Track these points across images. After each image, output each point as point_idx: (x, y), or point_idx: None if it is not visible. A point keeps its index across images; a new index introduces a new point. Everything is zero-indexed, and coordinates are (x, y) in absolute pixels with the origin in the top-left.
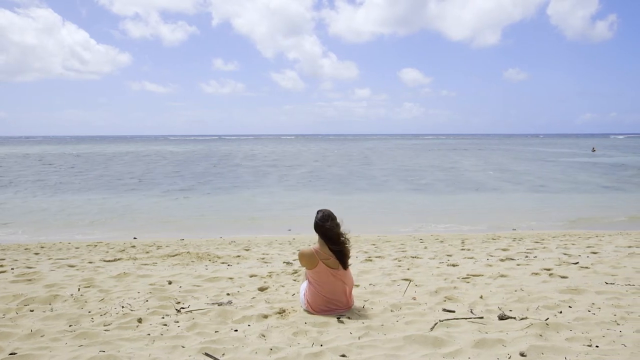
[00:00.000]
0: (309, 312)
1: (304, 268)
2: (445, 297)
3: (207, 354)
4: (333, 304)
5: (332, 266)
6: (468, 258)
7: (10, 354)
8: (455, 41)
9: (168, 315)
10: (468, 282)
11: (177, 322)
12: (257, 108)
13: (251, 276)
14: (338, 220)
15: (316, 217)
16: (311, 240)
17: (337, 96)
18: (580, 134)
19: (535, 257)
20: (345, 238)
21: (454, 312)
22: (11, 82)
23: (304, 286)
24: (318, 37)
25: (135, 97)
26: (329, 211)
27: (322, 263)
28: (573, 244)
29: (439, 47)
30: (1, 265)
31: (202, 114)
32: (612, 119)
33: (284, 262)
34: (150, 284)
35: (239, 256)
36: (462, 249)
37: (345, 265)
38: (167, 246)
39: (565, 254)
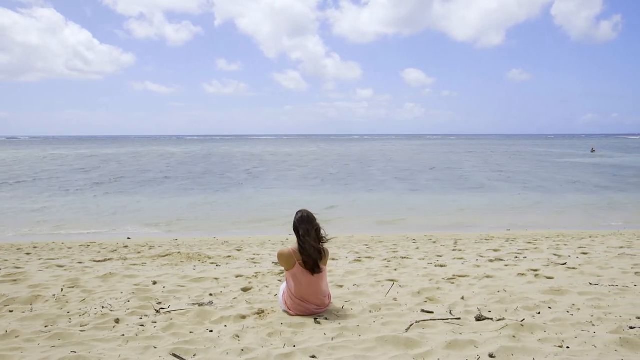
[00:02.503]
0: (287, 313)
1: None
2: (427, 298)
3: (174, 355)
4: (310, 304)
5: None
6: (458, 259)
7: None
8: (459, 42)
9: (147, 315)
10: (453, 283)
11: (155, 322)
12: (259, 108)
13: (237, 277)
14: (317, 222)
15: (295, 218)
16: None
17: (339, 97)
18: (590, 134)
19: (525, 257)
20: (322, 241)
21: (432, 313)
22: (14, 82)
23: (283, 287)
24: (322, 38)
25: (138, 97)
26: (308, 212)
27: (299, 264)
28: (565, 245)
29: (443, 48)
30: None
31: (203, 114)
32: (614, 119)
33: (273, 263)
34: (135, 285)
35: (229, 256)
36: (454, 250)
37: (319, 268)
38: (159, 246)
39: (555, 255)
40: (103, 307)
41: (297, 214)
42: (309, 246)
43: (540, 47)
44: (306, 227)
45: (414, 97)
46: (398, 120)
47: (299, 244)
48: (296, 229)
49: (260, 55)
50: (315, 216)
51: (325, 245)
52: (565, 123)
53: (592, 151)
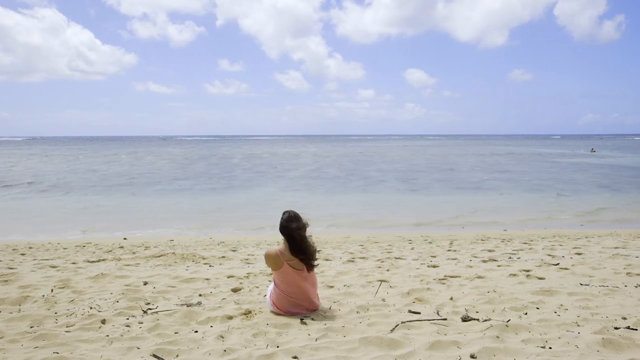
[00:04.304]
0: (274, 314)
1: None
2: (416, 299)
3: (155, 356)
4: (298, 305)
5: (297, 267)
6: (451, 259)
7: None
8: (462, 42)
9: (134, 316)
10: (443, 284)
11: (141, 323)
12: (260, 108)
13: (229, 277)
14: (304, 222)
15: (282, 218)
16: None
17: (341, 97)
18: (591, 134)
19: (519, 258)
20: (309, 240)
21: (419, 313)
22: (16, 83)
23: (270, 287)
24: (324, 38)
25: (139, 97)
26: (295, 212)
27: (286, 264)
28: (560, 245)
29: (446, 48)
30: None
31: (205, 115)
32: (614, 119)
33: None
34: (126, 285)
35: (223, 257)
36: (449, 250)
37: (309, 268)
38: (155, 247)
39: (549, 255)
40: (91, 308)
41: (283, 214)
42: (301, 243)
43: (543, 48)
44: (296, 225)
45: (415, 97)
46: (399, 120)
47: (288, 244)
48: (285, 229)
49: (262, 56)
50: (312, 216)
51: (318, 247)
52: (566, 123)
53: (592, 151)
